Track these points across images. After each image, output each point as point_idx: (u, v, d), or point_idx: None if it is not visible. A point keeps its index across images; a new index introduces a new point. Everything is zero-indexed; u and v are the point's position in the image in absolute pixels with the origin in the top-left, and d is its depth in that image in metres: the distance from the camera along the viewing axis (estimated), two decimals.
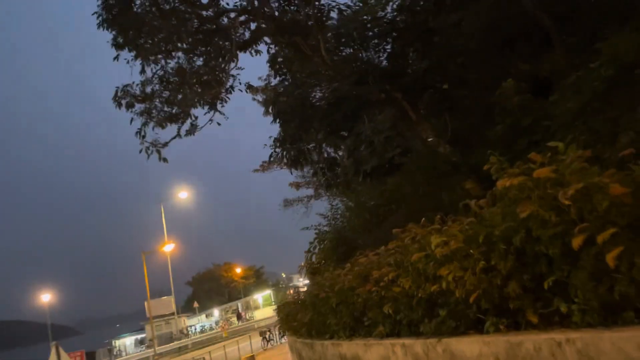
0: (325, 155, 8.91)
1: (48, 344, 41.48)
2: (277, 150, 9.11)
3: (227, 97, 11.77)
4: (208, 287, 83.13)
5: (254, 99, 19.49)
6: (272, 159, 8.98)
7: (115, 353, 47.43)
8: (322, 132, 8.21)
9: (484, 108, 8.60)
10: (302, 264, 14.78)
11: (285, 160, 8.99)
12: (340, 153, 9.05)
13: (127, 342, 54.43)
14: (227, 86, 11.62)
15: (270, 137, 20.53)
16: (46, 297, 40.09)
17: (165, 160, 10.04)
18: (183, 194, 41.81)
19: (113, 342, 54.63)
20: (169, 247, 28.30)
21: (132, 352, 48.05)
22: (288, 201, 22.08)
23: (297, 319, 9.55)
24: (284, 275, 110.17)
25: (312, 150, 8.88)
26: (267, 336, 32.87)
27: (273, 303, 68.85)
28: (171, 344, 44.20)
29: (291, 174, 16.51)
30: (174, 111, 9.83)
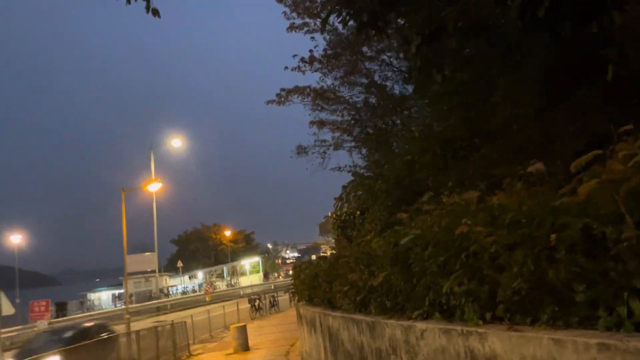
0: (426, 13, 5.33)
1: (20, 292, 38.20)
2: (338, 7, 5.45)
3: None
4: (194, 248, 79.28)
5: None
6: (328, 18, 5.48)
7: (87, 306, 44.19)
8: None
9: None
10: (330, 214, 11.29)
11: (350, 22, 5.39)
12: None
13: (102, 296, 51.30)
14: None
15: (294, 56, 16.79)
16: (16, 239, 36.46)
17: (155, 12, 6.38)
18: (176, 142, 38.00)
19: (88, 295, 51.46)
20: (154, 187, 23.99)
21: (107, 307, 44.89)
22: (302, 148, 18.39)
23: (346, 281, 6.02)
24: (270, 246, 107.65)
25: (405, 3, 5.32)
26: (256, 304, 29.73)
27: (260, 271, 66.12)
28: (148, 303, 40.94)
29: (361, 45, 12.78)
30: None
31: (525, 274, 3.00)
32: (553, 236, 2.73)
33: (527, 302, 3.11)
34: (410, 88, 14.52)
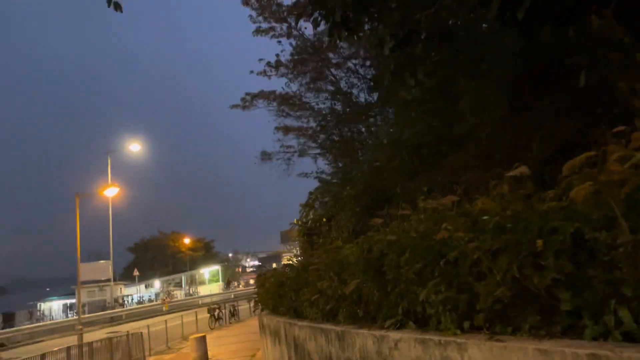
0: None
1: None
2: (309, 7, 5.29)
3: None
4: (151, 256, 77.07)
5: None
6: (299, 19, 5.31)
7: (38, 316, 42.26)
8: None
9: None
10: (295, 220, 11.08)
11: (322, 24, 5.23)
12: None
13: (53, 306, 49.18)
14: None
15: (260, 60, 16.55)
16: None
17: (117, 6, 6.02)
18: (135, 147, 36.87)
19: (38, 305, 49.28)
20: (110, 192, 23.03)
21: (59, 317, 43.02)
22: (267, 154, 18.13)
23: (315, 289, 5.82)
24: (230, 255, 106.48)
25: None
26: (215, 314, 29.08)
27: (220, 280, 65.03)
28: (102, 313, 39.51)
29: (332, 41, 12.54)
30: None
31: (508, 282, 2.88)
32: (540, 242, 2.62)
33: (508, 311, 2.99)
34: (375, 96, 14.51)
